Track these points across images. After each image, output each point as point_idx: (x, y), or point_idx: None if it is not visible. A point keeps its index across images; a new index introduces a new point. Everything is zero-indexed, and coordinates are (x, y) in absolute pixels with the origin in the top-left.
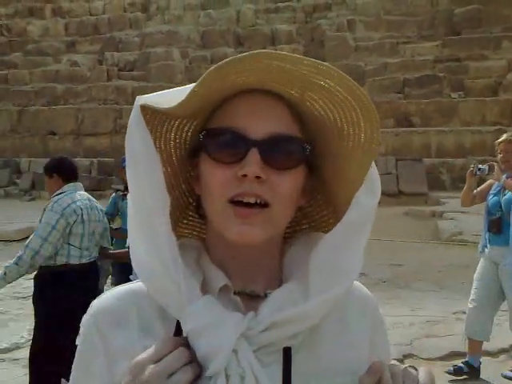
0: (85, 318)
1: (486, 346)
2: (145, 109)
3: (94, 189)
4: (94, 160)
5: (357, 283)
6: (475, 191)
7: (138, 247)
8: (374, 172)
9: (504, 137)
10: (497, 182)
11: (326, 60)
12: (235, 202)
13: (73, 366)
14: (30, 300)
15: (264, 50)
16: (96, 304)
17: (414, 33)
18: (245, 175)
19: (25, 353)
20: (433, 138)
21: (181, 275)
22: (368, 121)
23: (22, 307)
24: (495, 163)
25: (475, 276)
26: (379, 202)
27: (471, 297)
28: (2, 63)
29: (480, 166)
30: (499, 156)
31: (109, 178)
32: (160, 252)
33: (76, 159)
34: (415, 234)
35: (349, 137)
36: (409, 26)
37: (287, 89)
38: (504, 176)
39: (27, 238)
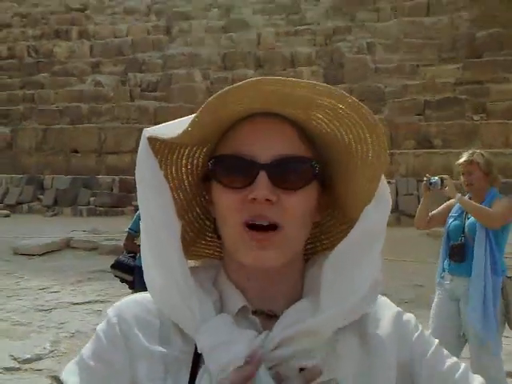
0: (109, 317)
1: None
2: (153, 140)
3: (115, 205)
4: (116, 178)
5: (382, 299)
6: (431, 213)
7: (151, 272)
8: (383, 187)
9: (464, 157)
10: (458, 204)
11: (345, 82)
12: (249, 226)
13: (87, 358)
14: (52, 312)
15: (262, 77)
16: (121, 307)
17: (434, 55)
18: (255, 199)
19: (47, 363)
20: (454, 160)
21: (194, 299)
22: (374, 137)
23: (43, 319)
24: (448, 176)
25: (431, 312)
26: (400, 223)
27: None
28: (29, 83)
29: (432, 178)
30: (461, 179)
31: (129, 195)
32: (172, 276)
33: (98, 177)
34: (437, 254)
35: (357, 153)
36: (429, 48)
37: (291, 110)
38: (459, 194)
39: (50, 252)
